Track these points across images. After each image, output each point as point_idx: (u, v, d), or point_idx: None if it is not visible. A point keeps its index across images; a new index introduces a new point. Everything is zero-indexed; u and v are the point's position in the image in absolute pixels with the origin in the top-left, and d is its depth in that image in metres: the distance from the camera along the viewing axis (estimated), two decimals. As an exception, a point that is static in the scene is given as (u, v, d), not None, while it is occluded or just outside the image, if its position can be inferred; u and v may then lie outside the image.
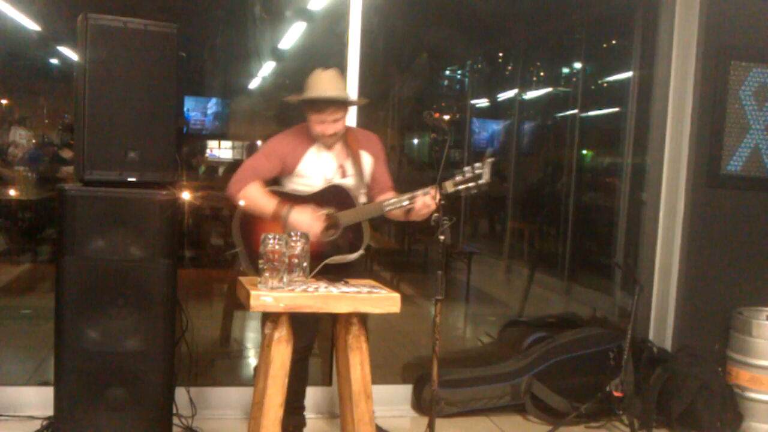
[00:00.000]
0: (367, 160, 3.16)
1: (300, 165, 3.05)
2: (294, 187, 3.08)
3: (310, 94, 2.97)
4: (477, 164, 2.96)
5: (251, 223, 3.02)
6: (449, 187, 2.95)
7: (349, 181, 3.10)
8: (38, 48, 4.46)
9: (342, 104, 3.00)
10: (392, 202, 2.99)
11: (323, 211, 2.97)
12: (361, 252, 3.08)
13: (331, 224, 3.00)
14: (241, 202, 3.00)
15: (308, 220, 2.90)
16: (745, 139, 4.06)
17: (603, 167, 5.63)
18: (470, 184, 2.96)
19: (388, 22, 4.24)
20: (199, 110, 5.29)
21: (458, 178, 2.96)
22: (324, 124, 2.98)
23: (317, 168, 3.07)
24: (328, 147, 3.07)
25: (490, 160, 2.97)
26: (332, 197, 3.01)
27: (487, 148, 6.21)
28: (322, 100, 2.94)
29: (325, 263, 2.91)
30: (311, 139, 3.06)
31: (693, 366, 3.73)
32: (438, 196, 2.87)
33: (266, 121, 5.45)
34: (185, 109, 5.12)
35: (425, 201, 2.93)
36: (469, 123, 6.24)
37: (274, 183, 3.13)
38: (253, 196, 2.97)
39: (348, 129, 3.13)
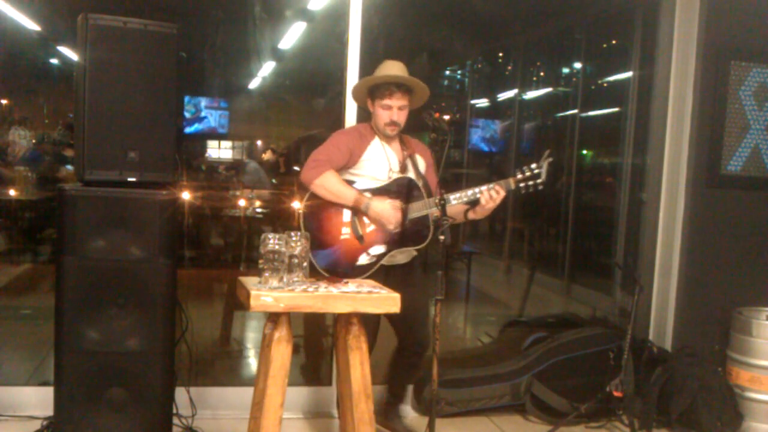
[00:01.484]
0: (421, 162, 3.27)
1: (364, 155, 3.15)
2: (355, 179, 3.15)
3: (381, 77, 3.12)
4: (533, 165, 3.04)
5: (316, 216, 3.10)
6: (512, 183, 3.04)
7: (411, 176, 3.18)
8: (38, 48, 4.45)
9: (407, 91, 3.11)
10: (458, 196, 3.03)
11: (396, 202, 3.06)
12: (425, 244, 3.17)
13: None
14: (317, 184, 3.05)
15: (390, 210, 3.02)
16: (745, 139, 4.06)
17: (603, 167, 5.62)
18: (529, 183, 3.04)
19: (388, 22, 4.24)
20: (198, 110, 5.28)
21: (519, 176, 3.05)
22: (390, 111, 3.10)
23: (381, 159, 3.16)
24: (389, 140, 3.18)
25: (548, 160, 3.04)
26: (400, 189, 3.10)
27: (483, 147, 6.20)
28: (391, 80, 3.09)
29: (392, 254, 3.08)
30: (373, 133, 3.19)
31: (693, 366, 3.74)
32: (502, 193, 3.00)
33: (266, 121, 5.44)
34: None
35: (491, 195, 3.00)
36: (469, 123, 6.23)
37: None
38: (331, 183, 3.04)
39: (402, 135, 3.25)
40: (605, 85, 5.63)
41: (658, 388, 3.69)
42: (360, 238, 3.09)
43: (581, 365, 3.86)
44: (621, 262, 4.71)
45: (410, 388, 3.71)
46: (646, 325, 4.23)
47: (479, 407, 3.81)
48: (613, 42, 5.40)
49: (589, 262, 5.57)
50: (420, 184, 3.14)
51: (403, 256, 3.19)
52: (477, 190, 3.03)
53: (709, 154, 4.03)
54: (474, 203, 3.09)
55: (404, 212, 3.07)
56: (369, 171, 3.14)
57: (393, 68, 3.16)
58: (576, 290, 5.46)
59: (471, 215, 3.14)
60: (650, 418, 3.63)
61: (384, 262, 3.12)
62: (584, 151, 5.73)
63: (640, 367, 3.82)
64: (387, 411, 3.48)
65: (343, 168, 3.14)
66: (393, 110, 3.11)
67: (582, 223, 5.51)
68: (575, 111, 5.66)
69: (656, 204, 4.24)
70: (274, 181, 5.12)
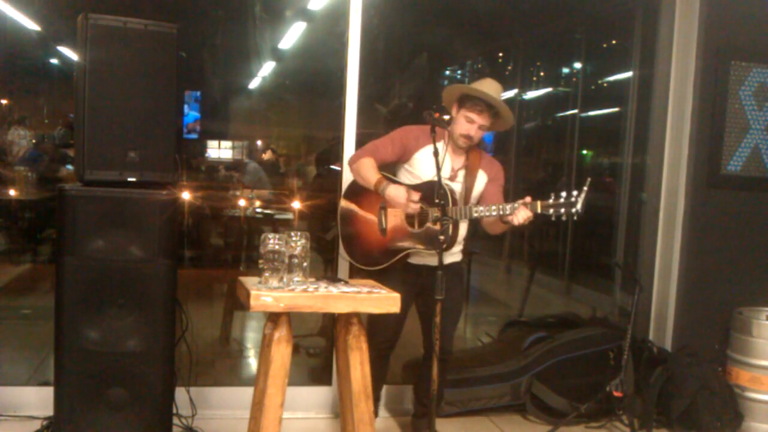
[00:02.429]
0: (482, 178, 3.25)
1: (417, 154, 3.18)
2: (404, 175, 3.21)
3: (477, 91, 3.10)
4: (575, 192, 2.88)
5: (351, 212, 3.26)
6: (539, 207, 2.91)
7: (455, 186, 3.17)
8: (38, 48, 4.45)
9: (494, 114, 3.13)
10: (480, 210, 3.00)
11: (417, 198, 3.05)
12: (454, 251, 3.19)
13: (422, 218, 3.09)
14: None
15: (403, 195, 3.03)
16: (745, 139, 4.06)
17: (603, 167, 5.62)
18: (561, 210, 2.89)
19: (388, 22, 4.24)
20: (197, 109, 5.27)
21: (551, 201, 2.91)
22: (472, 124, 3.11)
23: (432, 162, 3.08)
24: (454, 148, 3.17)
25: (587, 189, 2.88)
26: (430, 193, 3.04)
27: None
28: (485, 98, 3.08)
29: (407, 253, 3.13)
30: (441, 137, 3.14)
31: (693, 366, 3.74)
32: (529, 215, 2.88)
33: (266, 121, 5.44)
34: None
35: (526, 215, 2.90)
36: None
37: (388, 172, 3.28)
38: (363, 168, 3.14)
39: (475, 149, 3.25)
40: (605, 85, 5.63)
41: (658, 388, 3.69)
42: (383, 231, 3.15)
43: (581, 365, 3.87)
44: (621, 262, 4.71)
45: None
46: (646, 325, 4.23)
47: (479, 407, 3.81)
48: (613, 42, 5.39)
49: (589, 262, 5.57)
50: (458, 194, 3.14)
51: (433, 258, 3.14)
52: (500, 207, 2.95)
53: (709, 154, 4.03)
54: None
55: (424, 213, 3.06)
56: (418, 170, 3.18)
57: (491, 87, 3.12)
58: (576, 290, 5.46)
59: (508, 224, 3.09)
60: (650, 418, 3.63)
61: (413, 261, 3.17)
62: (584, 151, 5.73)
63: (640, 367, 3.82)
64: (417, 424, 3.46)
65: (396, 161, 3.22)
66: (473, 125, 3.11)
67: (582, 223, 5.50)
68: (575, 111, 5.66)
69: (656, 204, 4.24)
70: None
